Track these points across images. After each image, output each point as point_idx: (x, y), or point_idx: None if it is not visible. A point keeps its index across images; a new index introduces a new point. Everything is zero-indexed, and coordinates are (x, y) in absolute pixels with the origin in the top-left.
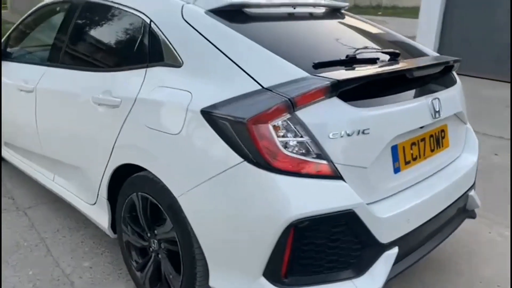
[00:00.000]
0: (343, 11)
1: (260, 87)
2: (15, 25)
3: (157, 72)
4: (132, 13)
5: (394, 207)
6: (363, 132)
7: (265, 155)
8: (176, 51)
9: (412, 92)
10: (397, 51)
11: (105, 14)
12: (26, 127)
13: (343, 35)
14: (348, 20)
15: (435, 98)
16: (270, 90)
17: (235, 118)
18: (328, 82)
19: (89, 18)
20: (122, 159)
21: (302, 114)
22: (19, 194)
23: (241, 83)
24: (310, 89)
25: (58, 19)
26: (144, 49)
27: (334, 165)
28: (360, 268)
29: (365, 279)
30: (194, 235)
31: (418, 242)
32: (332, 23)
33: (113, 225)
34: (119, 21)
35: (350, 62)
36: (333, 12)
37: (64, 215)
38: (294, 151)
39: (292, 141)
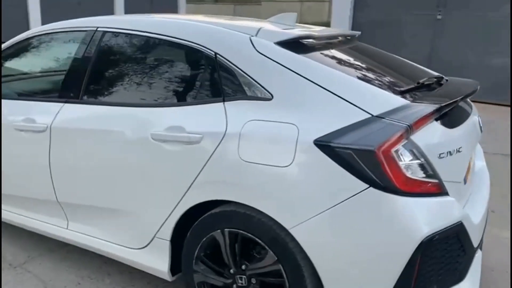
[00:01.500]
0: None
1: (369, 116)
2: None
3: (241, 106)
4: (187, 46)
5: (477, 214)
6: (458, 150)
7: (393, 180)
8: (260, 84)
9: (464, 112)
10: (441, 75)
11: (144, 45)
12: (27, 172)
13: (378, 61)
14: (364, 46)
15: (478, 116)
16: (383, 118)
17: (361, 146)
18: (434, 108)
19: (123, 49)
20: (202, 197)
21: (416, 138)
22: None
23: (345, 113)
24: (422, 115)
25: (66, 50)
26: (215, 82)
27: (443, 183)
28: (463, 273)
29: (467, 283)
30: (304, 265)
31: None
32: (361, 50)
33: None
34: (169, 54)
35: (421, 87)
36: (352, 40)
37: (76, 264)
38: (415, 173)
39: (412, 164)
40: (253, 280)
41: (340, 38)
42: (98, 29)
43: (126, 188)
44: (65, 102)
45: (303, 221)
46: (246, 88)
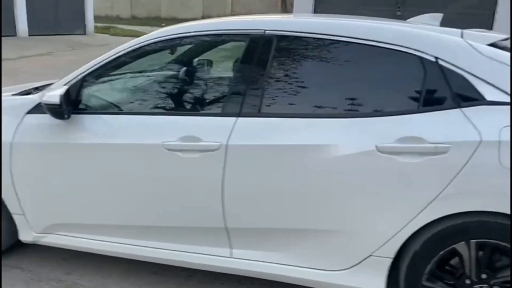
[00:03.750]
0: None
1: None
2: (99, 62)
3: (483, 112)
4: (397, 50)
5: None
6: None
7: None
8: (498, 87)
9: None
10: None
11: (339, 51)
12: (181, 197)
13: None
14: None
15: None
16: None
17: None
18: None
19: (312, 55)
20: (448, 210)
21: None
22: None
23: None
24: None
25: (220, 56)
26: (441, 88)
27: None
28: None
29: None
30: None
31: None
32: None
33: None
34: (371, 60)
35: None
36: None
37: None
38: None
39: None
40: None
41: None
42: (266, 32)
43: (339, 207)
44: (238, 116)
45: None
46: (482, 93)
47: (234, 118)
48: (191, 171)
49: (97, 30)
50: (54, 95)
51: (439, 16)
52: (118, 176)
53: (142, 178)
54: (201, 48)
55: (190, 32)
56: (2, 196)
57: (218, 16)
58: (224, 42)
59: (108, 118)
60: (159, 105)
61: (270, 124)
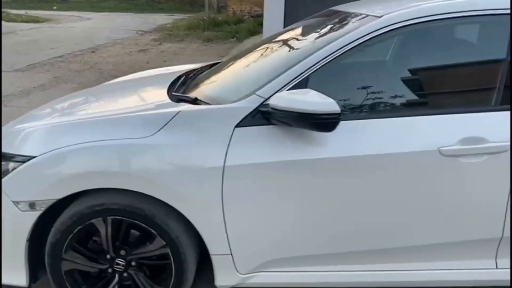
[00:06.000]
0: None
1: None
2: (327, 56)
3: None
4: None
5: None
6: None
7: None
8: None
9: None
10: None
11: None
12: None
13: None
14: None
15: None
16: None
17: None
18: None
19: None
20: None
21: None
22: None
23: None
24: None
25: None
26: None
27: None
28: None
29: None
30: None
31: None
32: None
33: None
34: None
35: None
36: None
37: None
38: None
39: None
40: None
41: None
42: None
43: None
44: None
45: None
46: None
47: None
48: (474, 178)
49: None
50: (328, 102)
51: None
52: (372, 193)
53: (405, 191)
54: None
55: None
56: (205, 238)
57: None
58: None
59: (360, 123)
60: (424, 103)
61: None
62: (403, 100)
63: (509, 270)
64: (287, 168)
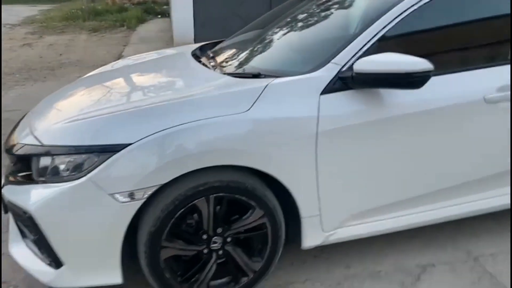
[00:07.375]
0: None
1: None
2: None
3: None
4: None
5: None
6: None
7: None
8: None
9: None
10: None
11: None
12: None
13: None
14: None
15: None
16: None
17: None
18: None
19: None
20: None
21: None
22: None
23: None
24: None
25: None
26: None
27: None
28: None
29: None
30: None
31: None
32: None
33: None
34: None
35: None
36: None
37: None
38: None
39: None
40: None
41: None
42: None
43: None
44: None
45: None
46: None
47: None
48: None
49: None
50: (421, 61)
51: None
52: (441, 140)
53: (463, 136)
54: None
55: None
56: (299, 203)
57: None
58: None
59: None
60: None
61: None
62: (458, 57)
63: None
64: (372, 127)
